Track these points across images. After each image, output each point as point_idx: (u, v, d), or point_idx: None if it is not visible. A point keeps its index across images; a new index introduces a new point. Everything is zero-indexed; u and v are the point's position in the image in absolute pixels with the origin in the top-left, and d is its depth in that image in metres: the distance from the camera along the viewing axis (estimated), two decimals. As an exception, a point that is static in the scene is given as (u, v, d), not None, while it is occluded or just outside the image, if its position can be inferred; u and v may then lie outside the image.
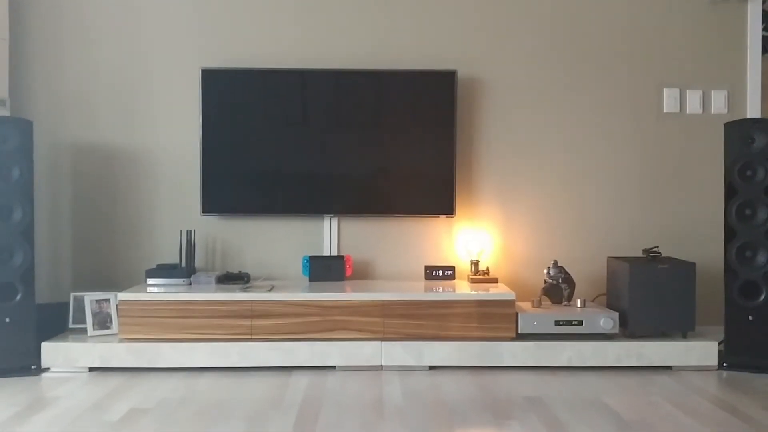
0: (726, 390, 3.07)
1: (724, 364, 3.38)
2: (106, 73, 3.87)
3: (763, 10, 3.92)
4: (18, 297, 3.27)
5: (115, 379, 3.20)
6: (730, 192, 3.42)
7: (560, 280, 3.60)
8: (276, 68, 3.79)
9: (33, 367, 3.28)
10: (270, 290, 3.44)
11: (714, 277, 3.75)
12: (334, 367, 3.37)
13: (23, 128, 3.30)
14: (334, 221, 3.88)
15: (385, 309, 3.38)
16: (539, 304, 3.57)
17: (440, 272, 3.80)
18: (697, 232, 3.93)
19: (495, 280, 3.71)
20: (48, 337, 3.40)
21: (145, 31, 3.87)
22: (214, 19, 3.87)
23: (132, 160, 3.87)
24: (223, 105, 3.76)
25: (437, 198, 3.80)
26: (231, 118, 3.77)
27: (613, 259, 3.67)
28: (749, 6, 3.91)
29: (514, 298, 3.40)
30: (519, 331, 3.39)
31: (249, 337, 3.35)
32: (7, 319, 3.26)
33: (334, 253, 3.88)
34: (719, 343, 3.40)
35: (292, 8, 3.88)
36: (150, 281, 3.59)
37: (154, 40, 3.87)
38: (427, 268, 3.82)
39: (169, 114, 3.88)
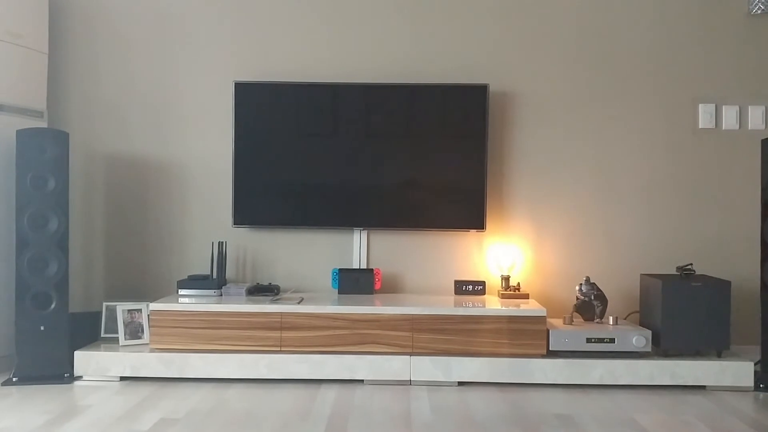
0: (762, 412, 3.00)
1: (761, 385, 3.30)
2: (140, 86, 3.93)
3: (802, 25, 3.87)
4: (52, 306, 3.32)
5: (145, 389, 3.22)
6: (766, 209, 3.36)
7: (592, 297, 3.56)
8: (308, 82, 3.81)
9: (66, 375, 3.33)
10: (299, 302, 3.45)
11: (750, 296, 3.68)
12: (363, 380, 3.36)
13: (60, 139, 3.36)
14: (364, 234, 3.88)
15: (414, 323, 3.36)
16: (571, 321, 3.53)
17: (470, 287, 3.78)
18: (732, 250, 3.86)
19: (526, 296, 3.68)
20: (80, 345, 3.45)
21: (179, 44, 3.93)
22: (247, 33, 3.92)
23: (165, 172, 3.92)
24: (255, 118, 3.80)
25: (468, 212, 3.78)
26: (263, 131, 3.80)
27: (646, 276, 3.62)
28: (787, 21, 3.86)
29: (545, 314, 3.37)
30: (550, 348, 3.35)
31: (278, 349, 3.35)
32: (42, 328, 3.31)
33: (364, 266, 3.88)
34: (755, 364, 3.34)
35: (324, 23, 3.91)
36: (181, 292, 3.62)
37: (187, 54, 3.93)
38: (456, 282, 3.80)
39: (202, 127, 3.92)
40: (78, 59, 3.93)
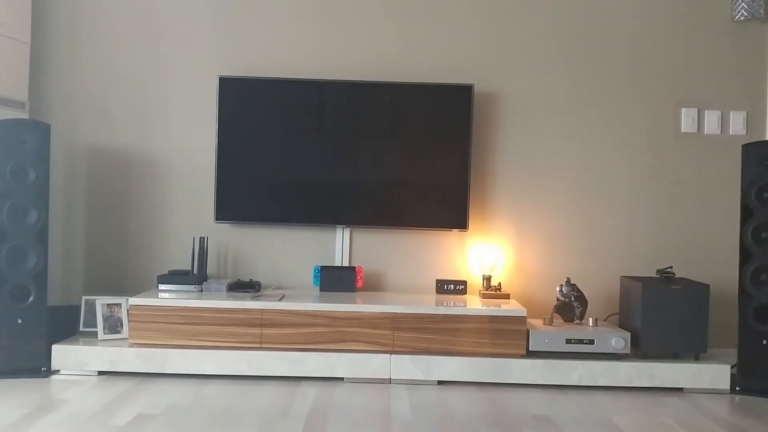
0: (738, 414, 3.03)
1: (737, 388, 3.34)
2: (123, 79, 3.90)
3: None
4: (30, 299, 3.29)
5: (123, 384, 3.20)
6: (746, 214, 3.39)
7: (572, 298, 3.58)
8: (293, 78, 3.80)
9: (43, 369, 3.29)
10: (280, 299, 3.44)
11: (728, 300, 3.71)
12: (342, 378, 3.35)
13: (41, 131, 3.33)
14: (347, 232, 3.88)
15: (395, 322, 3.36)
16: (551, 322, 3.55)
17: (452, 286, 3.79)
18: (712, 253, 3.89)
19: (507, 296, 3.69)
20: (59, 339, 3.41)
21: (164, 37, 3.90)
22: (233, 27, 3.90)
23: (147, 166, 3.89)
24: (239, 113, 3.78)
25: (451, 212, 3.79)
26: (247, 126, 3.78)
27: (626, 279, 3.64)
28: (770, 28, 3.90)
29: (525, 314, 3.38)
30: (529, 349, 3.37)
31: (258, 345, 3.34)
32: (19, 321, 3.27)
33: (346, 264, 3.88)
34: (732, 367, 3.37)
35: (310, 19, 3.90)
36: (162, 287, 3.59)
37: (172, 47, 3.90)
38: (438, 281, 3.80)
39: (186, 121, 3.90)
40: (61, 50, 3.89)
